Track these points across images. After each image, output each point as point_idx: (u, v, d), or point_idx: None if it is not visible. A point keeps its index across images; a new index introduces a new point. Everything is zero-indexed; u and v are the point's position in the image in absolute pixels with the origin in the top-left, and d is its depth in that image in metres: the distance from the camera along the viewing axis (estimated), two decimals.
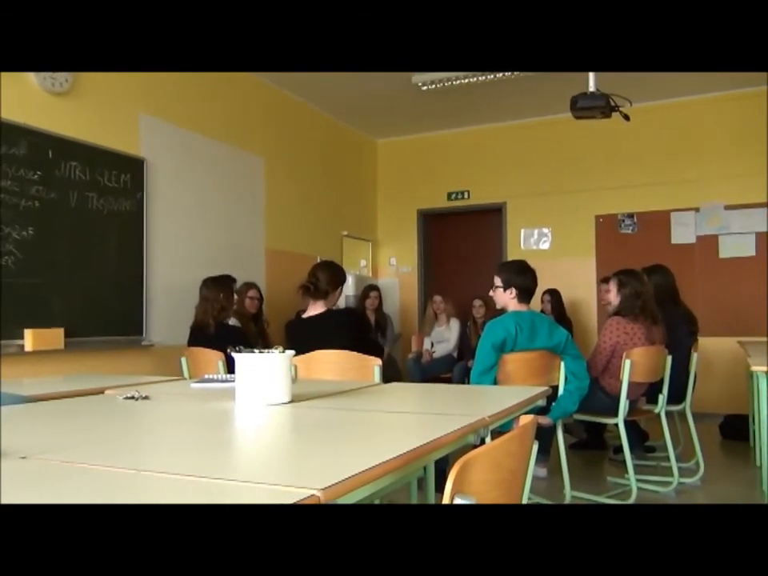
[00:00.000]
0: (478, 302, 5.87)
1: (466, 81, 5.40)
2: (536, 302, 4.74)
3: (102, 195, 4.00)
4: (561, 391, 3.05)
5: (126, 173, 4.16)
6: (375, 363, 2.46)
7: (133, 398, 1.68)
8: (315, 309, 3.07)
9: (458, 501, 0.82)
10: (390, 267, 7.35)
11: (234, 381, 1.61)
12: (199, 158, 4.82)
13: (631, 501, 3.21)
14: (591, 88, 3.84)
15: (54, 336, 3.61)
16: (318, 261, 5.10)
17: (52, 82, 3.71)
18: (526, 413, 1.42)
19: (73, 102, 3.87)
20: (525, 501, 1.16)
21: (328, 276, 3.06)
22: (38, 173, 3.62)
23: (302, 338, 2.99)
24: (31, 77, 3.62)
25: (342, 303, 4.25)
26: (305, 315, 3.12)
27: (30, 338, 3.49)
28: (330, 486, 0.80)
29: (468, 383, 3.49)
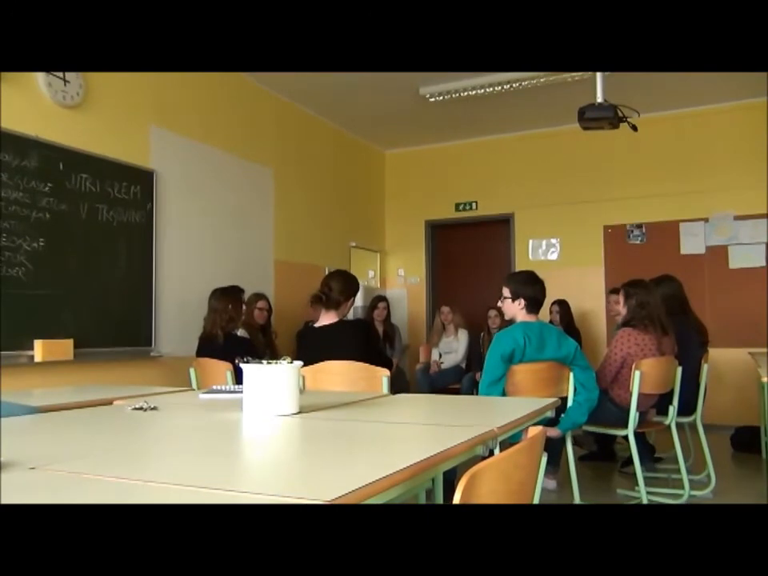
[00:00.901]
0: (492, 313, 5.85)
1: (474, 92, 5.42)
2: (545, 313, 4.72)
3: (112, 207, 4.03)
4: (570, 402, 3.02)
5: (136, 184, 4.19)
6: (383, 374, 2.45)
7: (141, 408, 1.69)
8: (328, 318, 3.05)
9: None
10: (398, 278, 7.36)
11: (241, 392, 1.61)
12: (209, 169, 4.85)
13: None
14: (599, 99, 3.85)
15: (64, 347, 3.62)
16: (327, 271, 5.11)
17: (63, 95, 3.75)
18: (535, 424, 1.41)
19: (84, 114, 3.91)
20: None
21: (341, 285, 3.05)
22: (49, 185, 3.65)
23: (313, 346, 2.98)
24: (43, 90, 3.66)
25: (350, 314, 4.24)
26: (317, 324, 3.11)
27: (39, 349, 3.51)
28: (337, 498, 0.79)
29: (477, 394, 3.48)
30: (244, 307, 4.15)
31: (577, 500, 3.08)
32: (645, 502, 3.21)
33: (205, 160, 4.81)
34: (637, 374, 3.22)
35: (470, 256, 7.13)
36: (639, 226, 6.24)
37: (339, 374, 2.55)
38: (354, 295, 3.14)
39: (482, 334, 5.91)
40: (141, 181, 4.22)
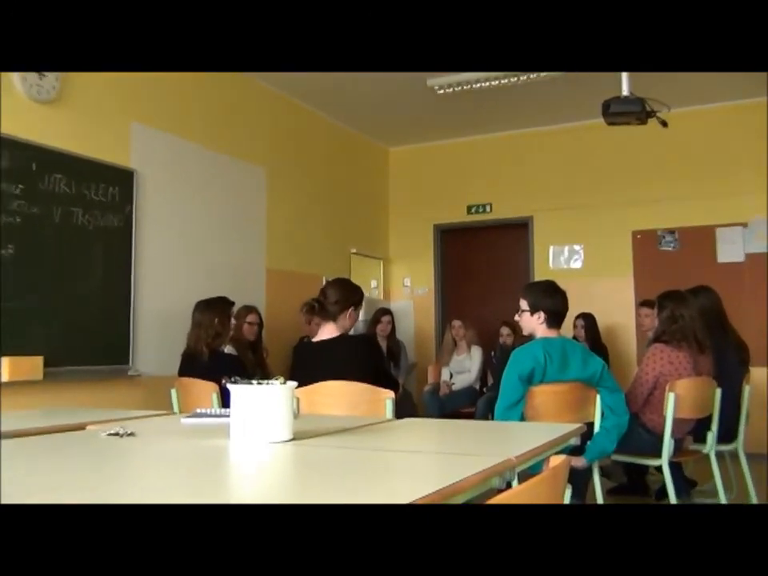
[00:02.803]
0: (505, 330, 5.84)
1: (487, 84, 5.44)
2: (567, 328, 4.70)
3: (88, 210, 4.04)
4: (597, 428, 3.01)
5: (115, 185, 4.20)
6: (387, 396, 2.44)
7: (117, 434, 1.68)
8: (327, 332, 2.99)
9: None
10: (404, 288, 7.36)
11: (228, 416, 1.60)
12: (194, 168, 4.87)
13: None
14: (625, 92, 3.86)
15: (33, 365, 3.62)
16: (325, 281, 5.11)
17: (38, 90, 3.77)
18: (558, 453, 1.40)
19: (60, 110, 3.93)
20: None
21: (338, 294, 3.00)
22: (20, 186, 3.66)
23: (309, 364, 2.95)
24: (16, 85, 3.68)
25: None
26: (315, 338, 3.07)
27: (5, 367, 3.51)
28: None
29: (492, 419, 3.46)
30: (232, 321, 4.14)
31: None
32: None
33: (190, 159, 4.83)
34: (671, 397, 3.20)
35: (484, 264, 7.14)
36: (671, 232, 6.24)
37: (338, 396, 2.54)
38: (357, 305, 3.08)
39: (491, 354, 5.88)
40: (120, 181, 4.24)
